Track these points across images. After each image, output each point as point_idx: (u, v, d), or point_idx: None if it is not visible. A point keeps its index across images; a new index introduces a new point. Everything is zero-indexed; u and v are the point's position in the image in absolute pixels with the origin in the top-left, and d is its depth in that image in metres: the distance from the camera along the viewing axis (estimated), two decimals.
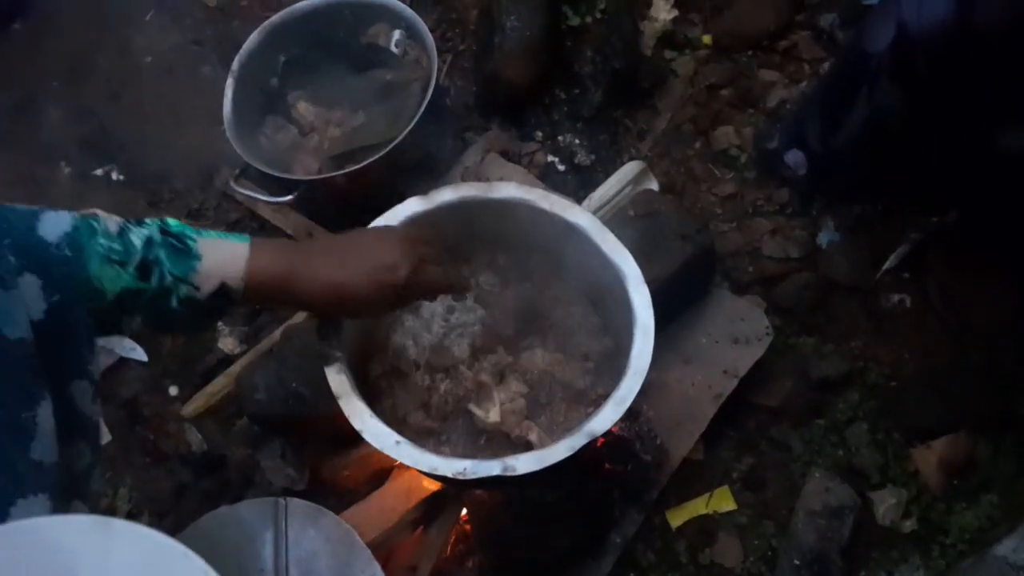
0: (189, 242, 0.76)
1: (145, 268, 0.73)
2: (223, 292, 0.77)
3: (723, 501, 1.30)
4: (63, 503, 0.72)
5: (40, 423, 0.68)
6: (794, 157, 1.36)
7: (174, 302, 0.75)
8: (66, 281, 0.69)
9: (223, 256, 0.78)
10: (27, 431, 0.68)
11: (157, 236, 0.75)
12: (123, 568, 0.59)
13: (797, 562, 1.22)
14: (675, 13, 1.78)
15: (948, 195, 1.35)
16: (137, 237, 0.74)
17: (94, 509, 0.83)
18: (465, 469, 0.94)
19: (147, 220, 0.77)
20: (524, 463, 0.95)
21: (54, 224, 0.70)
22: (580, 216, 1.11)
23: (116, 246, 0.72)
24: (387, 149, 1.42)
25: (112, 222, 0.74)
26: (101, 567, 0.59)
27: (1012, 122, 1.05)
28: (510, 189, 1.14)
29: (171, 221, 0.78)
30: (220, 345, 1.55)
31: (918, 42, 1.06)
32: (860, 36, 1.17)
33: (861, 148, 1.23)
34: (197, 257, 0.76)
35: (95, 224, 0.73)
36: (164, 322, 0.79)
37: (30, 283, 0.67)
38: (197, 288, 0.76)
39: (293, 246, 0.89)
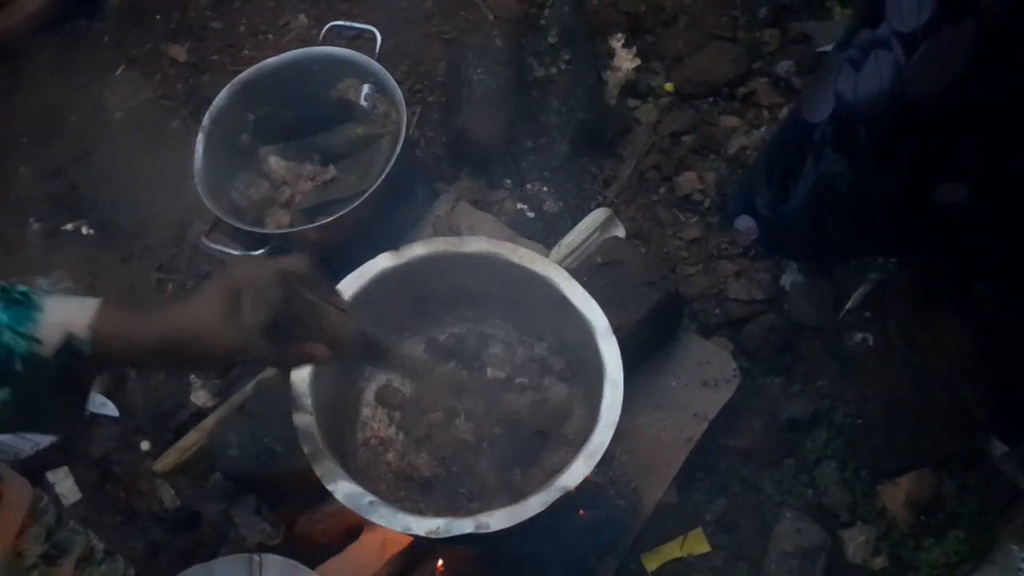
0: (33, 297, 0.72)
1: None
2: (69, 347, 0.71)
3: (697, 544, 1.31)
4: None
5: None
6: (744, 223, 1.41)
7: (18, 364, 0.69)
8: None
9: (69, 308, 0.73)
10: None
11: None
12: None
13: None
14: (637, 62, 1.83)
15: (896, 247, 1.40)
16: None
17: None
18: (439, 528, 0.95)
19: None
20: (497, 520, 0.96)
21: None
22: (549, 268, 1.14)
23: None
24: (358, 202, 1.44)
25: None
26: None
27: (947, 178, 1.11)
28: (480, 243, 1.16)
29: (19, 285, 0.74)
30: (193, 399, 1.54)
31: (856, 113, 1.11)
32: (801, 106, 1.23)
33: (810, 212, 1.28)
34: (38, 308, 0.71)
35: None
36: (15, 398, 0.71)
37: None
38: (40, 342, 0.70)
39: (146, 304, 0.86)
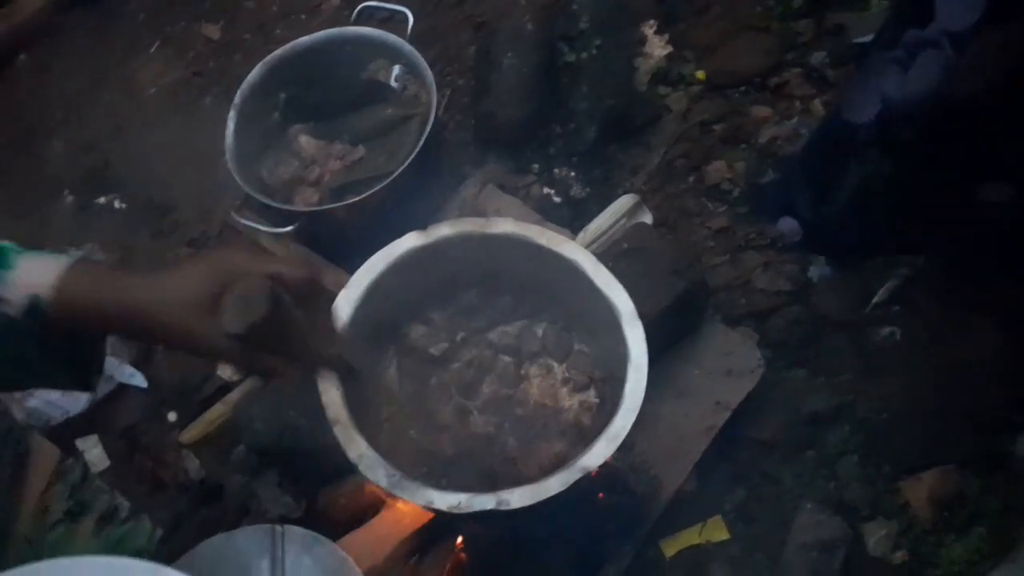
0: (9, 254, 0.70)
1: None
2: (33, 308, 0.69)
3: (716, 531, 1.31)
4: None
5: None
6: (787, 225, 1.41)
7: None
8: None
9: (39, 266, 0.70)
10: None
11: None
12: None
13: None
14: (669, 50, 1.82)
15: (936, 244, 1.39)
16: None
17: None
18: (460, 503, 0.96)
19: None
20: (518, 497, 0.96)
21: None
22: (576, 252, 1.14)
23: None
24: (386, 182, 1.45)
25: None
26: None
27: (992, 178, 1.10)
28: (507, 225, 1.16)
29: (4, 241, 0.71)
30: (219, 372, 1.56)
31: (903, 113, 1.11)
32: (841, 107, 1.22)
33: (853, 212, 1.28)
34: (8, 267, 0.69)
35: None
36: (4, 356, 0.70)
37: None
38: (5, 301, 0.68)
39: (123, 268, 0.80)
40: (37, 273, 0.69)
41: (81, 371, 0.76)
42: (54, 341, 0.71)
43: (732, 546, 1.31)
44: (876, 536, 1.29)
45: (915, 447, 1.35)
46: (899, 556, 1.29)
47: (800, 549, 1.26)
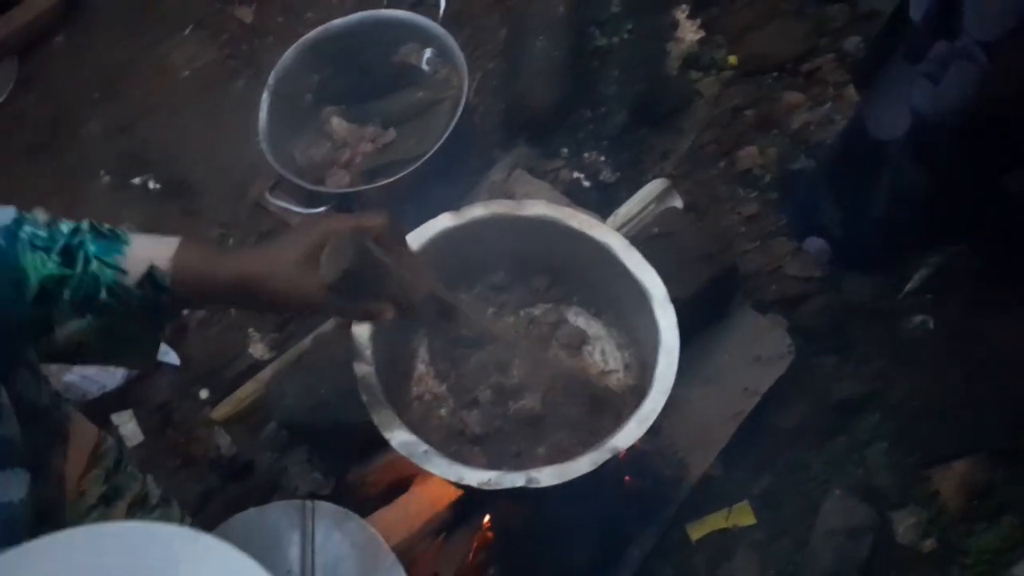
0: (119, 232, 0.75)
1: (69, 253, 0.72)
2: (152, 279, 0.74)
3: (743, 516, 1.32)
4: (36, 477, 0.76)
5: (3, 402, 0.70)
6: (815, 245, 1.41)
7: (103, 293, 0.72)
8: None
9: (153, 243, 0.75)
10: None
11: (85, 226, 0.74)
12: (210, 571, 0.64)
13: None
14: (701, 35, 1.81)
15: (966, 236, 1.38)
16: (65, 226, 0.74)
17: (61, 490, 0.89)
18: (490, 480, 0.97)
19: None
20: (547, 476, 0.97)
21: None
22: (608, 235, 1.14)
23: (41, 232, 0.72)
24: (417, 164, 1.46)
25: (44, 214, 0.74)
26: (194, 568, 0.64)
27: (1018, 165, 1.09)
28: (539, 207, 1.17)
29: (105, 224, 0.76)
30: (251, 351, 1.59)
31: (937, 125, 1.10)
32: (866, 125, 1.21)
33: (887, 226, 1.28)
34: (125, 241, 0.74)
35: (28, 216, 0.73)
36: (102, 326, 0.74)
37: None
38: (125, 272, 0.73)
39: (227, 248, 0.85)
40: (153, 247, 0.75)
41: (150, 352, 0.81)
42: (157, 313, 0.75)
43: (758, 531, 1.31)
44: (905, 524, 1.29)
45: (946, 436, 1.34)
46: (928, 544, 1.28)
47: (827, 535, 1.26)
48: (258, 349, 1.59)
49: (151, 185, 1.86)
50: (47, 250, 0.71)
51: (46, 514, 0.84)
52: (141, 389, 1.61)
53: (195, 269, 0.76)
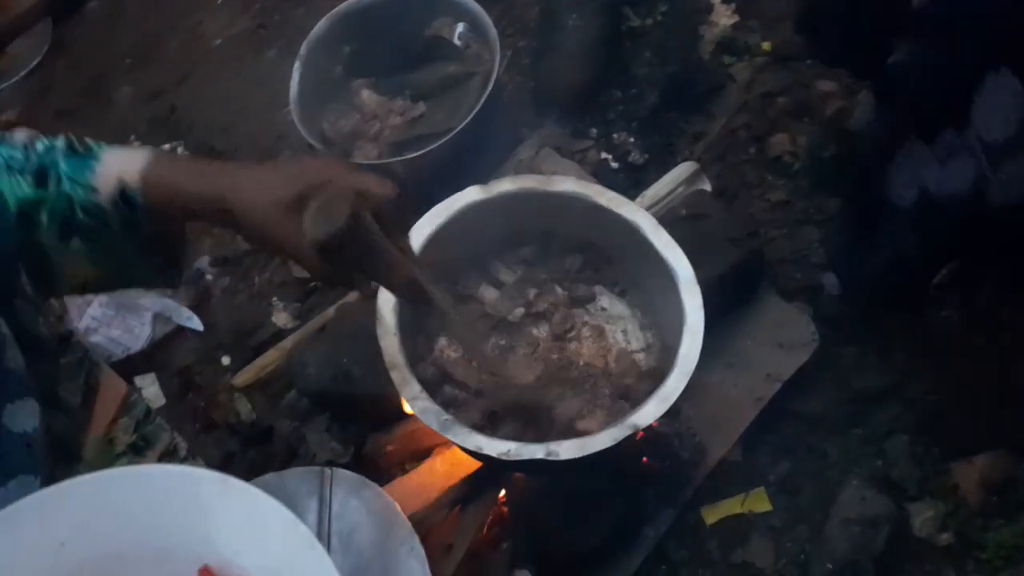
0: (93, 147, 0.71)
1: (42, 174, 0.69)
2: (124, 196, 0.69)
3: (759, 502, 1.31)
4: (47, 408, 0.76)
5: (5, 333, 0.70)
6: (828, 280, 1.44)
7: (79, 214, 0.69)
8: None
9: (123, 157, 0.71)
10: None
11: (60, 144, 0.71)
12: (237, 515, 0.66)
13: (830, 566, 1.23)
14: (736, 19, 1.79)
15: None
16: (41, 144, 0.71)
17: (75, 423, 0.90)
18: (509, 451, 0.97)
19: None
20: (567, 449, 0.97)
21: None
22: (636, 214, 1.14)
23: (17, 154, 0.70)
24: (446, 139, 1.46)
25: (22, 135, 0.72)
26: (222, 512, 0.66)
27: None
28: (568, 183, 1.16)
29: (84, 138, 0.73)
30: (274, 319, 1.60)
31: (939, 207, 1.14)
32: (885, 187, 1.23)
33: (887, 278, 1.33)
34: (95, 158, 0.70)
35: (6, 137, 0.71)
36: (95, 252, 0.71)
37: None
38: (96, 190, 0.69)
39: (206, 161, 0.78)
40: (122, 162, 0.70)
41: (168, 266, 0.77)
42: (145, 232, 0.71)
43: (773, 517, 1.31)
44: (922, 516, 1.28)
45: (967, 430, 1.33)
46: (945, 538, 1.27)
47: (843, 524, 1.25)
48: (281, 318, 1.60)
49: (180, 151, 1.87)
50: (22, 171, 0.69)
51: (62, 446, 0.84)
52: (164, 353, 1.63)
53: (167, 184, 0.70)
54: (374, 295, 0.84)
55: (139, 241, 0.72)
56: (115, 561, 0.67)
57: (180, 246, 0.79)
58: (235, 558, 0.67)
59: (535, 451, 0.96)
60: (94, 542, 0.67)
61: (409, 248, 0.82)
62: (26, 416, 0.73)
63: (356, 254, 0.74)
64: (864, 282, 1.38)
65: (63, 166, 0.69)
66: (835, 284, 1.45)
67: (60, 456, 0.82)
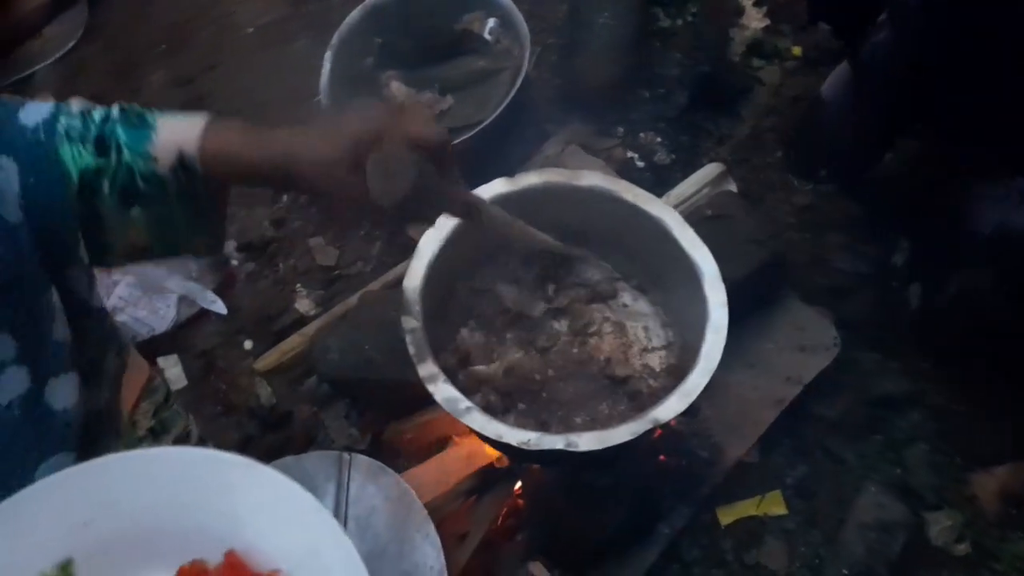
0: (147, 116, 0.72)
1: (102, 143, 0.70)
2: (183, 164, 0.70)
3: (774, 505, 1.31)
4: (88, 382, 0.77)
5: (56, 305, 0.71)
6: (914, 290, 1.47)
7: (140, 183, 0.70)
8: (39, 164, 0.69)
9: (180, 126, 0.72)
10: (48, 313, 0.71)
11: (116, 113, 0.72)
12: (263, 500, 0.68)
13: (845, 571, 1.22)
14: (766, 23, 1.79)
15: None
16: (97, 114, 0.72)
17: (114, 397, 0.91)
18: (530, 440, 0.98)
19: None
20: (586, 441, 0.98)
21: (34, 112, 0.71)
22: (663, 211, 1.14)
23: (76, 123, 0.70)
24: (473, 132, 1.47)
25: (78, 103, 0.73)
26: (247, 496, 0.68)
27: None
28: (595, 178, 1.17)
29: (135, 106, 0.74)
30: (297, 306, 1.62)
31: (1013, 241, 1.20)
32: (965, 215, 1.27)
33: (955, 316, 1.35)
34: (152, 127, 0.71)
35: (64, 107, 0.72)
36: (152, 218, 0.73)
37: (7, 166, 0.68)
38: (155, 159, 0.70)
39: (259, 127, 0.76)
40: (179, 131, 0.71)
41: (212, 234, 0.79)
42: (201, 198, 0.73)
43: (788, 520, 1.31)
44: (940, 525, 1.27)
45: (988, 441, 1.32)
46: (961, 548, 1.27)
47: (859, 529, 1.25)
48: (304, 305, 1.62)
49: None
50: (82, 140, 0.70)
51: (100, 422, 0.85)
52: (188, 335, 1.64)
53: (225, 151, 0.71)
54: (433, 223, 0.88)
55: (193, 207, 0.73)
56: (140, 540, 0.68)
57: (223, 215, 0.81)
58: (259, 542, 0.68)
59: (555, 442, 0.97)
60: (120, 521, 0.68)
61: (460, 178, 0.84)
62: (67, 392, 0.74)
63: (420, 202, 0.77)
64: (940, 304, 1.39)
65: (122, 136, 0.70)
66: (918, 295, 1.45)
67: (99, 432, 0.83)
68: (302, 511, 0.68)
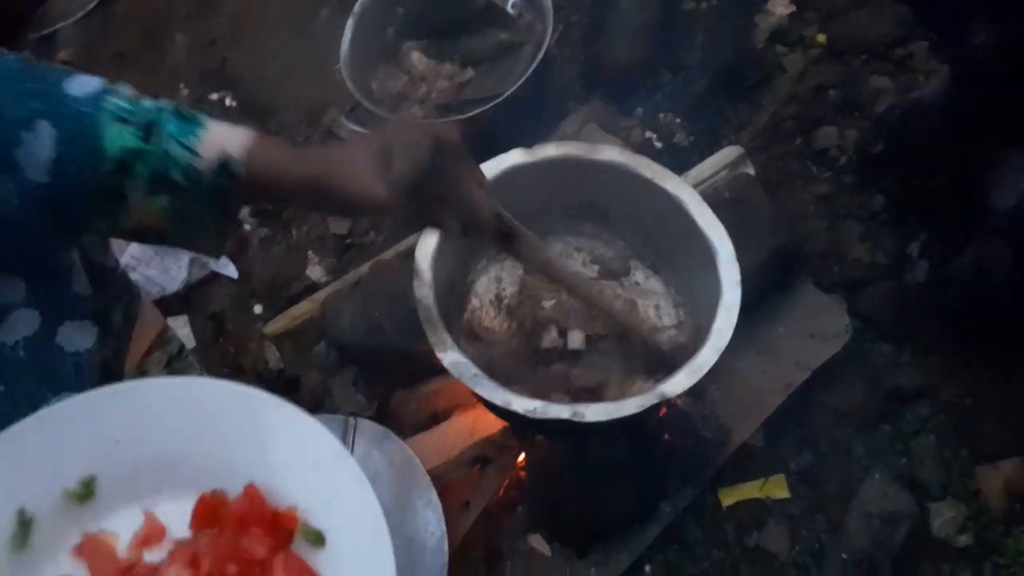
0: (198, 115, 0.75)
1: (149, 129, 0.72)
2: (225, 167, 0.73)
3: (778, 488, 1.31)
4: (101, 330, 0.83)
5: (76, 261, 0.75)
6: (921, 266, 1.46)
7: (177, 174, 0.73)
8: (78, 135, 0.70)
9: (230, 131, 0.75)
10: (68, 268, 0.77)
11: (167, 106, 0.74)
12: (291, 441, 0.70)
13: (845, 556, 1.22)
14: (792, 9, 1.77)
15: None
16: (148, 103, 0.74)
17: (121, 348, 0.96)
18: (536, 408, 0.98)
19: None
20: (593, 412, 0.98)
21: (83, 84, 0.72)
22: (680, 188, 1.13)
23: (126, 105, 0.72)
24: (492, 104, 1.46)
25: (130, 89, 0.74)
26: (275, 435, 0.70)
27: None
28: (613, 153, 1.16)
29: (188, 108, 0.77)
30: (308, 272, 1.62)
31: None
32: (987, 188, 1.24)
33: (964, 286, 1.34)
34: (202, 125, 0.74)
35: (114, 87, 0.73)
36: (173, 208, 0.75)
37: (45, 131, 0.69)
38: (199, 156, 0.73)
39: (301, 146, 0.83)
40: (229, 136, 0.74)
41: (222, 239, 0.82)
42: (232, 202, 0.76)
43: (792, 505, 1.31)
44: (943, 517, 1.27)
45: (997, 436, 1.32)
46: (963, 540, 1.26)
47: (863, 517, 1.25)
48: (316, 272, 1.62)
49: (228, 102, 1.89)
50: (131, 122, 0.72)
51: (107, 371, 0.88)
52: (198, 296, 1.65)
53: (269, 163, 0.75)
54: (460, 235, 0.90)
55: (218, 208, 0.76)
56: (165, 465, 0.70)
57: (236, 224, 0.83)
58: (280, 479, 0.69)
59: (561, 411, 0.97)
60: (148, 444, 0.70)
61: (486, 185, 0.89)
62: (82, 337, 0.78)
63: (442, 191, 0.83)
64: (951, 279, 1.37)
65: (170, 127, 0.72)
66: (924, 271, 1.44)
67: (105, 380, 0.85)
68: (329, 457, 0.69)
